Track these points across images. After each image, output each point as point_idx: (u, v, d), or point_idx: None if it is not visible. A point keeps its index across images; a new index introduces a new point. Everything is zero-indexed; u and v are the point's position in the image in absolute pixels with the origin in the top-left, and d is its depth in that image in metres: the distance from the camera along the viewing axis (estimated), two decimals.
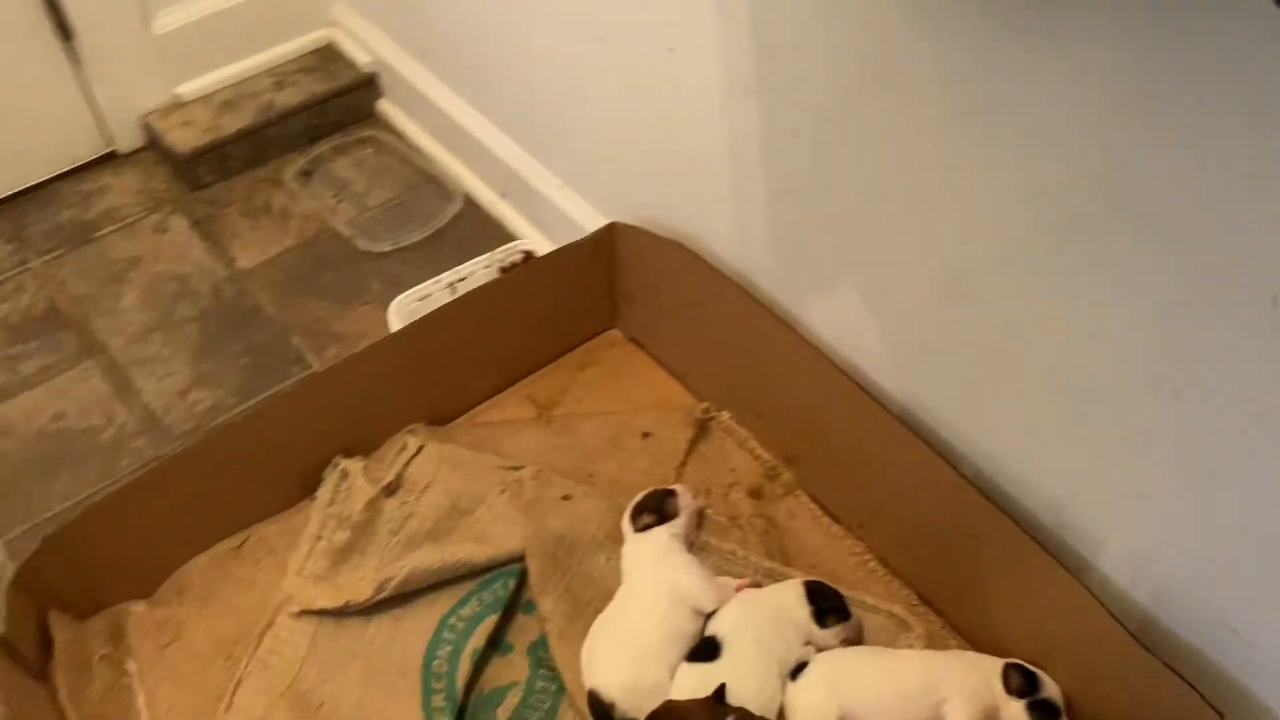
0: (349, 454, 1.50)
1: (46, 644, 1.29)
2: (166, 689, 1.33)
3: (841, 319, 1.37)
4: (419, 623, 1.37)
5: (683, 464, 1.55)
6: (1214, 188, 0.88)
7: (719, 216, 1.46)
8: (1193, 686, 1.09)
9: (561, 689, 1.33)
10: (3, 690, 1.16)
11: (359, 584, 1.38)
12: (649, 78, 1.42)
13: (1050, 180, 1.01)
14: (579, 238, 1.60)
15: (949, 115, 1.07)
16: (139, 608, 1.40)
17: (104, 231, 1.91)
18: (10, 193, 1.94)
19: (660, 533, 1.39)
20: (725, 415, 1.60)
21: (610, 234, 1.60)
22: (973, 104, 1.04)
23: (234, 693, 1.32)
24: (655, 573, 1.36)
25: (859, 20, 1.09)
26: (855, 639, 1.35)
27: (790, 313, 1.44)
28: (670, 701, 1.24)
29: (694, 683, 1.26)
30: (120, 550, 1.36)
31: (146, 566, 1.40)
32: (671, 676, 1.28)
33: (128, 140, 2.02)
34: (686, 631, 1.32)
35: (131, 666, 1.34)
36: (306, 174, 2.02)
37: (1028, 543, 1.22)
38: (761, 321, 1.44)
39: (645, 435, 1.59)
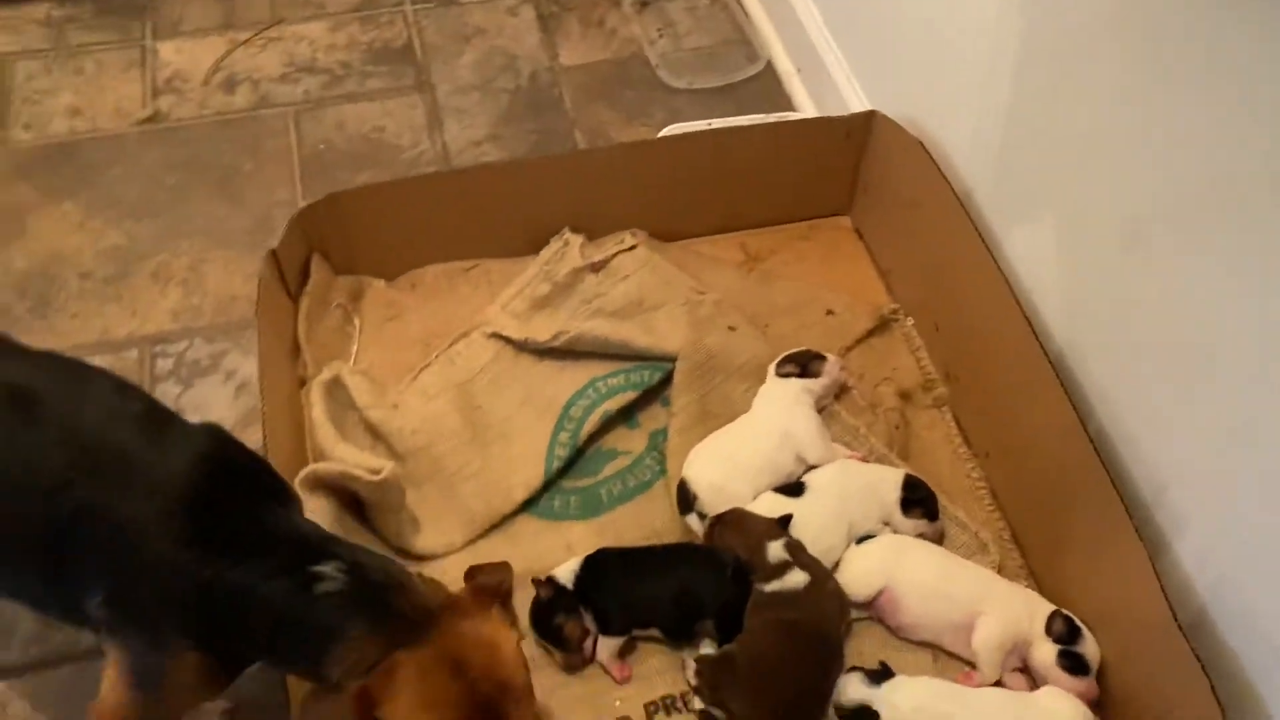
0: (575, 230, 1.72)
1: (304, 277, 1.62)
2: (375, 350, 1.64)
3: (1033, 251, 1.42)
4: (574, 375, 1.60)
5: (850, 348, 1.66)
6: None
7: (963, 126, 1.52)
8: (1207, 676, 1.11)
9: (663, 472, 1.51)
10: (263, 291, 1.48)
11: (543, 329, 1.62)
12: None
13: (1253, 147, 1.03)
14: None
15: (1178, 73, 1.10)
16: (379, 284, 1.71)
17: (468, 1, 2.23)
18: None
19: (796, 384, 1.52)
20: (908, 320, 1.69)
21: (868, 120, 1.70)
22: (1202, 64, 1.06)
23: (420, 372, 1.61)
24: (777, 413, 1.50)
25: None
26: (932, 541, 1.43)
27: (993, 234, 1.50)
28: (740, 509, 1.39)
29: (769, 507, 1.40)
30: (381, 233, 1.67)
31: (395, 256, 1.71)
32: (753, 498, 1.43)
33: None
34: (783, 470, 1.46)
35: (356, 322, 1.66)
36: (644, 4, 2.23)
37: (1119, 510, 1.25)
38: (966, 236, 1.51)
39: (829, 312, 1.70)
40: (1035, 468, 1.42)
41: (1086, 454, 1.30)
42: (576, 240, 1.71)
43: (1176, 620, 1.16)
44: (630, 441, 1.56)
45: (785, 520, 1.37)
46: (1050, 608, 1.34)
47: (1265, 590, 1.12)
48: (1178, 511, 1.23)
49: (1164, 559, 1.24)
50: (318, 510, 1.34)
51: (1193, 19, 1.07)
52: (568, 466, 1.52)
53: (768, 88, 2.08)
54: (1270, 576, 1.11)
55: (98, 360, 1.65)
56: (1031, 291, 1.44)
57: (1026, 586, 1.40)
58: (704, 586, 1.34)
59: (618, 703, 1.33)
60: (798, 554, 1.34)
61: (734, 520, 1.38)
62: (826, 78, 1.92)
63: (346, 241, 1.66)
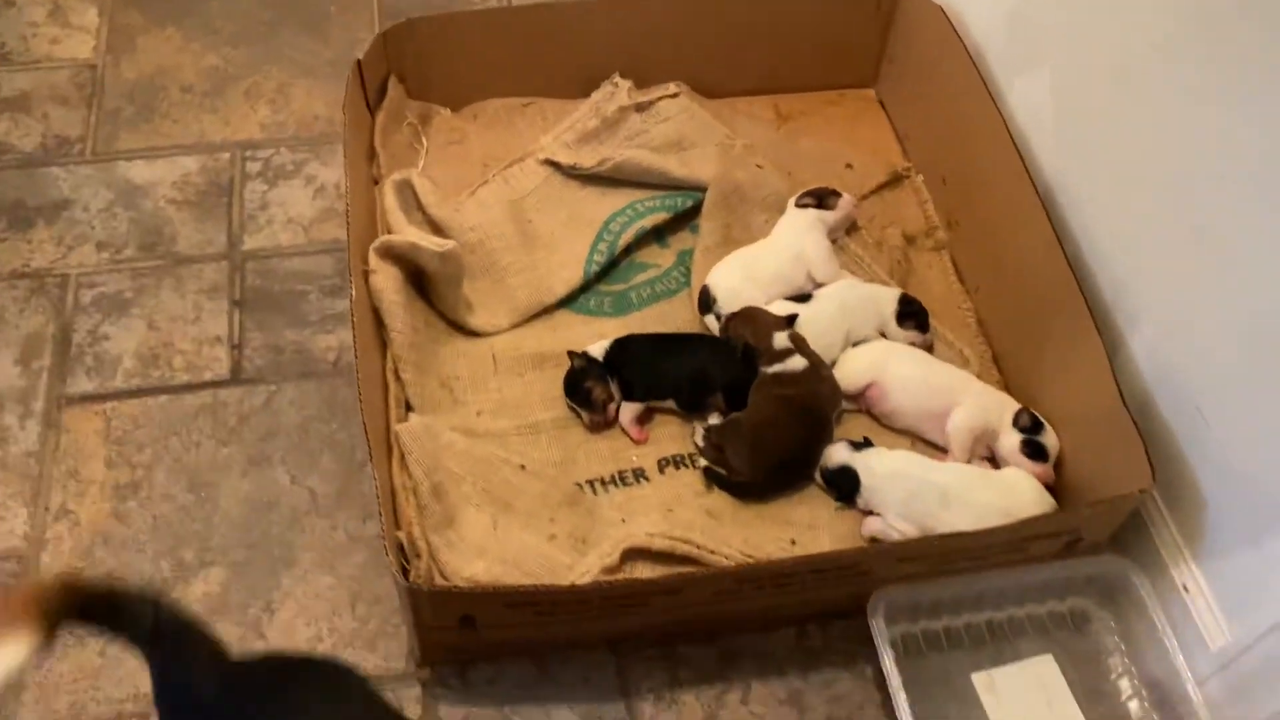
0: (624, 76, 1.91)
1: (382, 95, 1.82)
2: (439, 167, 1.84)
3: (1032, 98, 1.60)
4: (614, 198, 1.80)
5: (865, 197, 1.84)
6: None
7: None
8: (1143, 442, 1.30)
9: (686, 284, 1.71)
10: (349, 96, 1.68)
11: (589, 156, 1.82)
12: None
13: None
14: None
15: None
16: (446, 112, 1.91)
17: None
18: None
19: (812, 213, 1.71)
20: (919, 177, 1.87)
21: None
22: None
23: (478, 188, 1.81)
24: (793, 236, 1.69)
25: None
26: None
27: (999, 88, 1.67)
28: (754, 306, 1.59)
29: (779, 309, 1.60)
30: (451, 64, 1.86)
31: (462, 87, 1.90)
32: (766, 303, 1.62)
33: None
34: (794, 283, 1.66)
35: (424, 141, 1.86)
36: None
37: (1085, 315, 1.42)
38: (975, 93, 1.68)
39: (848, 166, 1.89)
40: (1017, 294, 1.61)
41: (1061, 268, 1.48)
42: (625, 84, 1.90)
43: (1124, 402, 1.35)
44: (660, 256, 1.76)
45: (792, 318, 1.56)
46: (1018, 405, 1.53)
47: (1202, 373, 1.31)
48: (1133, 309, 1.42)
49: (1120, 354, 1.43)
50: (388, 277, 1.54)
51: None
52: (604, 272, 1.72)
53: None
54: (1208, 361, 1.30)
55: (192, 160, 1.88)
56: (1029, 135, 1.61)
57: None
58: (716, 366, 1.55)
59: (635, 458, 1.53)
60: (800, 343, 1.54)
61: (747, 314, 1.58)
62: None
63: (420, 69, 1.85)
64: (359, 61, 1.71)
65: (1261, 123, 1.16)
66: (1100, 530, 1.38)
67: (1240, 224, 1.21)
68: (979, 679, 1.38)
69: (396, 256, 1.57)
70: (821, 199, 1.72)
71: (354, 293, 1.45)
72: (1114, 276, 1.46)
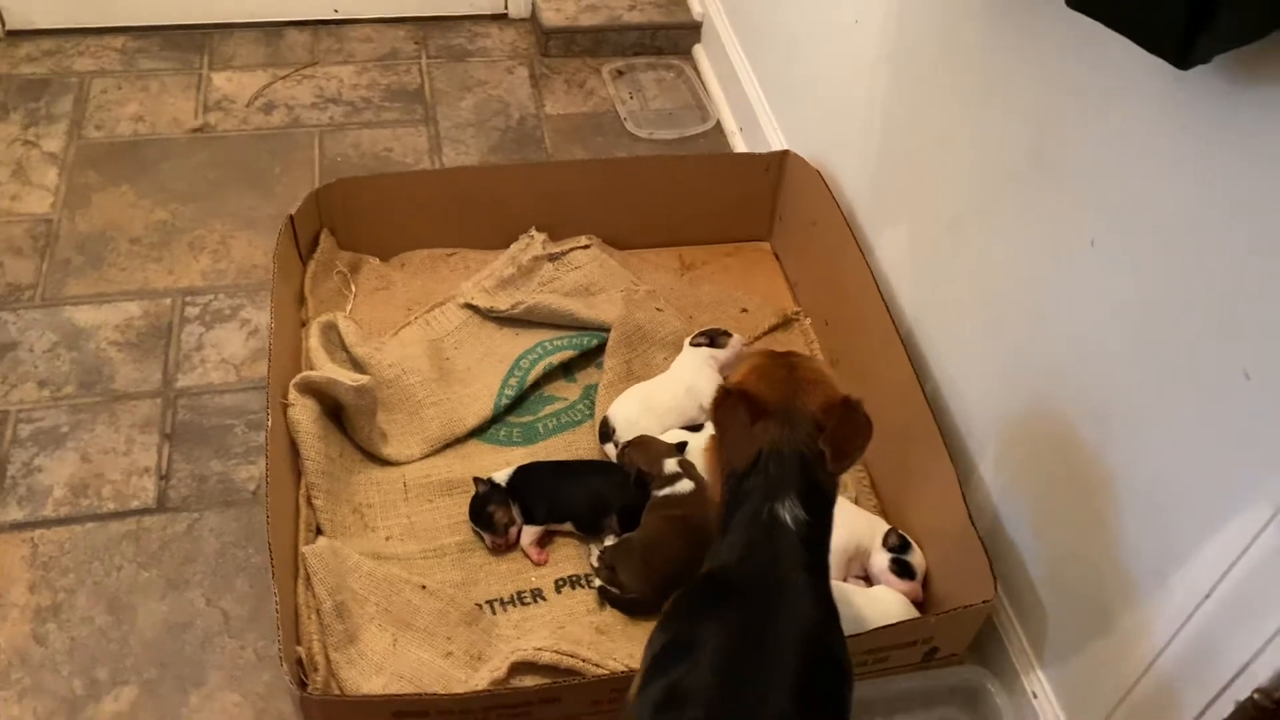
0: (540, 230, 2.10)
1: (314, 246, 1.98)
2: (366, 311, 2.00)
3: (893, 249, 1.79)
4: (525, 338, 1.95)
5: (759, 336, 2.01)
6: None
7: (850, 157, 1.91)
8: (988, 556, 1.42)
9: (590, 415, 1.85)
10: (280, 247, 1.84)
11: (505, 300, 1.98)
12: (838, 46, 1.90)
13: (1011, 156, 1.40)
14: None
15: (978, 102, 1.48)
16: (375, 261, 2.08)
17: (475, 59, 2.67)
18: (428, 15, 2.76)
19: (705, 351, 1.87)
20: (806, 320, 2.05)
21: (782, 158, 2.09)
22: (990, 94, 1.45)
23: (401, 329, 1.96)
24: (687, 372, 1.85)
25: (937, 26, 1.53)
26: None
27: (868, 241, 1.86)
28: (648, 435, 1.73)
29: (670, 437, 1.74)
30: (380, 219, 2.04)
31: (391, 239, 2.08)
32: (661, 433, 1.76)
33: (518, 9, 2.77)
34: (687, 414, 1.80)
35: (352, 288, 2.02)
36: (620, 73, 2.66)
37: (939, 444, 1.58)
38: (847, 245, 1.87)
39: (743, 310, 2.06)
40: (888, 425, 1.71)
41: (919, 402, 1.63)
42: (540, 236, 2.08)
43: (973, 521, 1.48)
44: (568, 390, 1.90)
45: (681, 445, 1.70)
46: (888, 526, 1.66)
47: (1033, 493, 1.45)
48: (981, 436, 1.56)
49: (973, 477, 1.57)
50: (304, 409, 1.67)
51: (982, 61, 1.46)
52: (515, 405, 1.86)
53: (715, 142, 2.49)
54: (1035, 482, 1.44)
55: (135, 305, 2.02)
56: (893, 281, 1.80)
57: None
58: (611, 490, 1.67)
59: (534, 579, 1.63)
60: (687, 468, 1.67)
61: (640, 442, 1.72)
62: (760, 133, 2.32)
63: (350, 223, 2.03)
64: (291, 216, 1.88)
65: (1061, 259, 1.34)
66: (957, 641, 1.49)
67: (1053, 361, 1.38)
68: None
69: (315, 391, 1.70)
70: (713, 338, 1.88)
71: (270, 423, 1.57)
72: (964, 408, 1.61)
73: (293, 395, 1.67)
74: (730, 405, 1.15)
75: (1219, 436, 1.08)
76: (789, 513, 1.10)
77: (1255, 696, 1.02)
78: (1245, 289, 1.03)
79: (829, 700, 1.05)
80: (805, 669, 1.02)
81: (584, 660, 1.47)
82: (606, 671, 1.45)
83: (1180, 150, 1.10)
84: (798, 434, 1.14)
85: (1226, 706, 1.06)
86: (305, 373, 1.71)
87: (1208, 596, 1.08)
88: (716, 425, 1.17)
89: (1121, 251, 1.22)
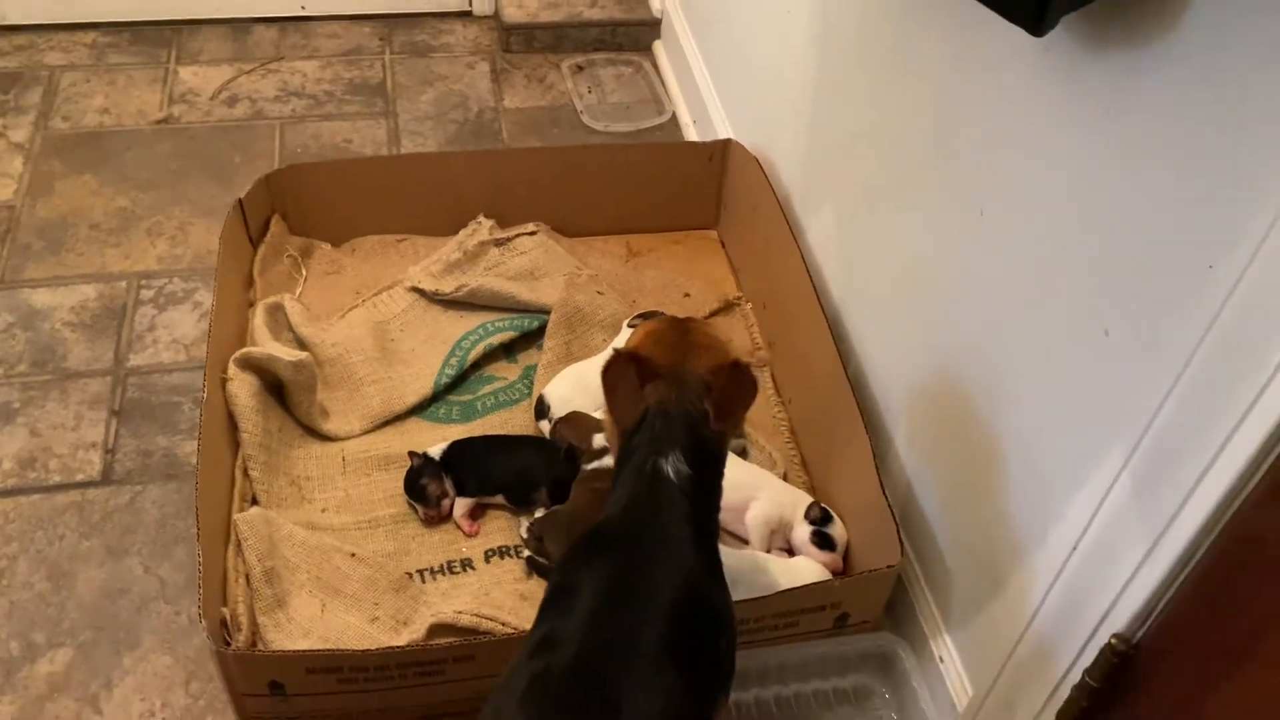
0: (490, 217, 2.14)
1: (264, 230, 2.03)
2: (315, 293, 2.05)
3: (822, 232, 1.83)
4: (469, 320, 2.00)
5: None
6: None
7: (785, 144, 1.96)
8: (896, 524, 1.46)
9: (528, 394, 1.89)
10: (226, 230, 1.89)
11: (450, 284, 2.03)
12: (774, 35, 1.95)
13: (919, 133, 1.45)
14: None
15: (896, 85, 1.53)
16: (326, 246, 2.13)
17: (438, 55, 2.72)
18: (395, 12, 2.81)
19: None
20: (747, 305, 2.09)
21: (725, 146, 2.14)
22: (908, 76, 1.49)
23: (348, 312, 2.01)
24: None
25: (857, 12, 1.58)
26: (736, 454, 1.80)
27: (800, 225, 1.91)
28: (579, 411, 1.77)
29: (603, 415, 1.77)
30: (331, 205, 2.09)
31: (342, 225, 2.13)
32: (594, 410, 1.80)
33: (482, 7, 2.83)
34: None
35: (303, 272, 2.07)
36: (579, 68, 2.72)
37: (858, 420, 1.61)
38: (781, 230, 1.91)
39: (686, 295, 2.11)
40: (817, 403, 1.80)
41: (841, 381, 1.67)
42: (488, 223, 2.13)
43: (885, 493, 1.52)
44: (508, 370, 1.95)
45: None
46: (811, 500, 1.69)
47: (941, 465, 1.49)
48: (896, 413, 1.60)
49: (890, 451, 1.61)
50: (243, 384, 1.71)
51: (896, 44, 1.51)
52: (454, 385, 1.90)
53: (670, 135, 2.53)
54: (944, 455, 1.48)
55: (91, 288, 2.08)
56: (821, 265, 1.84)
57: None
58: (541, 464, 1.71)
59: (464, 549, 1.68)
60: None
61: (571, 418, 1.76)
62: (711, 126, 2.37)
63: (302, 209, 2.08)
64: (240, 200, 1.94)
65: (958, 234, 1.38)
66: (868, 607, 1.53)
67: (955, 337, 1.42)
68: None
69: (255, 366, 1.74)
70: (648, 319, 1.92)
71: (205, 395, 1.61)
72: (883, 385, 1.65)
73: (231, 370, 1.72)
74: (619, 367, 1.19)
75: (1083, 394, 1.11)
76: (671, 466, 1.14)
77: (1113, 642, 1.05)
78: (1107, 247, 1.07)
79: (702, 648, 1.09)
80: (678, 616, 1.06)
81: (503, 624, 1.51)
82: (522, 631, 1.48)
83: (1046, 118, 1.14)
84: (686, 394, 1.18)
85: (1093, 654, 1.10)
86: (245, 349, 1.75)
87: (1074, 549, 1.12)
88: (605, 386, 1.21)
89: (1005, 221, 1.26)
